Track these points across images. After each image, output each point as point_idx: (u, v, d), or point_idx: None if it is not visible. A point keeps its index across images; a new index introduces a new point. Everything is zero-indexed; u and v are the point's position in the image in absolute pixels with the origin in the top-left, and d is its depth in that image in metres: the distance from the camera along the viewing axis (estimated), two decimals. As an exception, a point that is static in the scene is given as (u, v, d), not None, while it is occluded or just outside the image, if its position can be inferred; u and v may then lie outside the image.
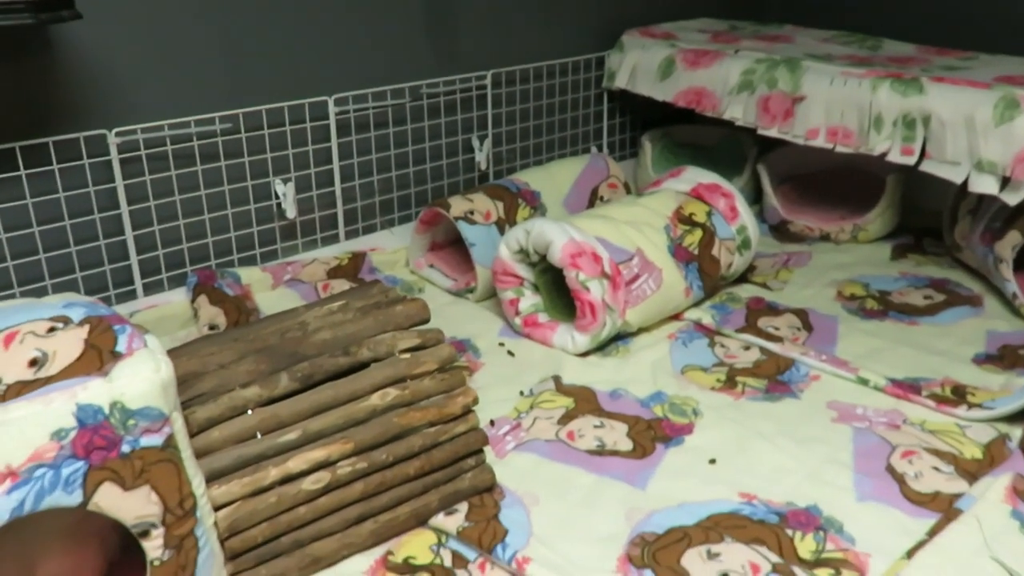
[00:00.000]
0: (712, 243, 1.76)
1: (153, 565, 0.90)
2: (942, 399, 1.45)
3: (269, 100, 1.74)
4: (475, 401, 1.22)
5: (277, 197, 1.80)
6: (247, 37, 1.71)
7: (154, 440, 0.88)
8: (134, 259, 1.64)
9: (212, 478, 1.02)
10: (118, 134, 1.55)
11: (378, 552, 1.14)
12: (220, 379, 1.09)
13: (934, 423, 1.40)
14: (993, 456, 1.31)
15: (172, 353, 1.14)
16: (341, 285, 1.85)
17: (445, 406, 1.19)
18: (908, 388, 1.48)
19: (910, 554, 1.10)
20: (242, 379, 1.09)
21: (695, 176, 1.87)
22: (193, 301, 1.67)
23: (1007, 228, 1.78)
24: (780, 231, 2.22)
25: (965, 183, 1.74)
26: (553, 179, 2.01)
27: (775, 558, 1.11)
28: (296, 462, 1.07)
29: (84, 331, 0.92)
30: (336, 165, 1.87)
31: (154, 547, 0.90)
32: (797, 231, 2.19)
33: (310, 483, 1.08)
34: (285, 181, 1.80)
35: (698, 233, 1.75)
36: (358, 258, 1.92)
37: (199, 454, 1.02)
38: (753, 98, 2.04)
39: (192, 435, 1.02)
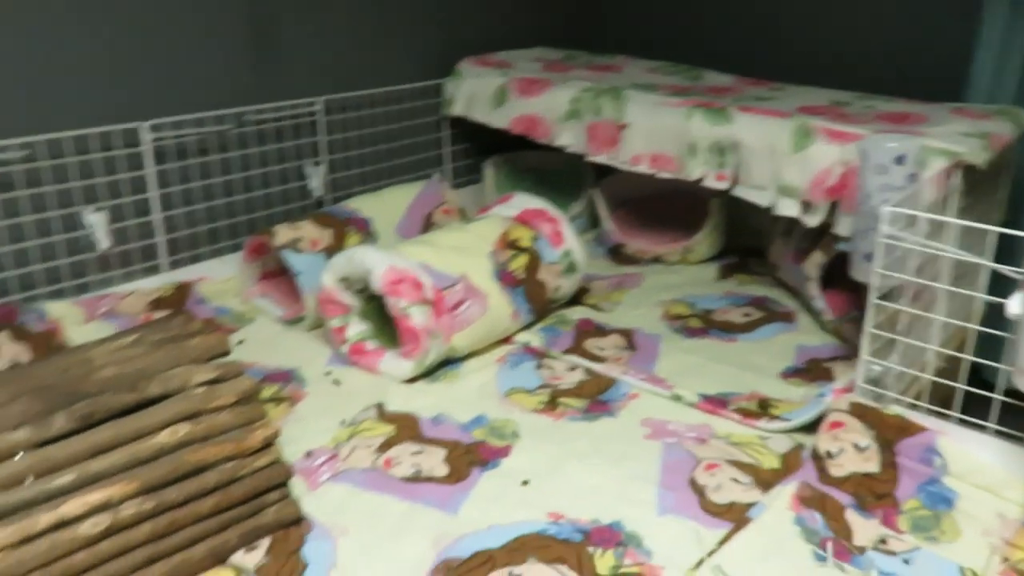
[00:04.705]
0: (537, 267, 1.80)
1: None
2: (747, 412, 1.52)
3: (75, 126, 1.66)
4: (276, 434, 1.19)
5: (87, 228, 1.72)
6: (50, 59, 1.63)
7: None
8: (-81, 296, 1.53)
9: (-28, 529, 0.96)
10: None
11: (169, 596, 1.09)
12: (-13, 422, 1.02)
13: (739, 436, 1.47)
14: (789, 465, 1.39)
15: (-64, 396, 1.07)
16: (163, 317, 1.78)
17: (243, 440, 1.16)
18: (717, 403, 1.55)
19: (699, 564, 1.14)
20: (13, 421, 1.03)
21: (522, 202, 1.91)
22: (-9, 339, 1.57)
23: (812, 248, 1.90)
24: (616, 254, 2.29)
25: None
26: (386, 205, 2.01)
27: (574, 576, 1.14)
28: (71, 506, 1.02)
29: None
30: (155, 193, 1.81)
31: None
32: (631, 254, 2.27)
33: (88, 527, 1.03)
34: (97, 210, 1.72)
35: (523, 258, 1.79)
36: (184, 289, 1.86)
37: (-44, 504, 0.96)
38: (581, 126, 2.11)
39: (-51, 484, 0.96)
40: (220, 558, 1.14)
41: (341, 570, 1.13)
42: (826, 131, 1.76)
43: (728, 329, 1.88)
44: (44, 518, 1.00)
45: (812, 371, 1.70)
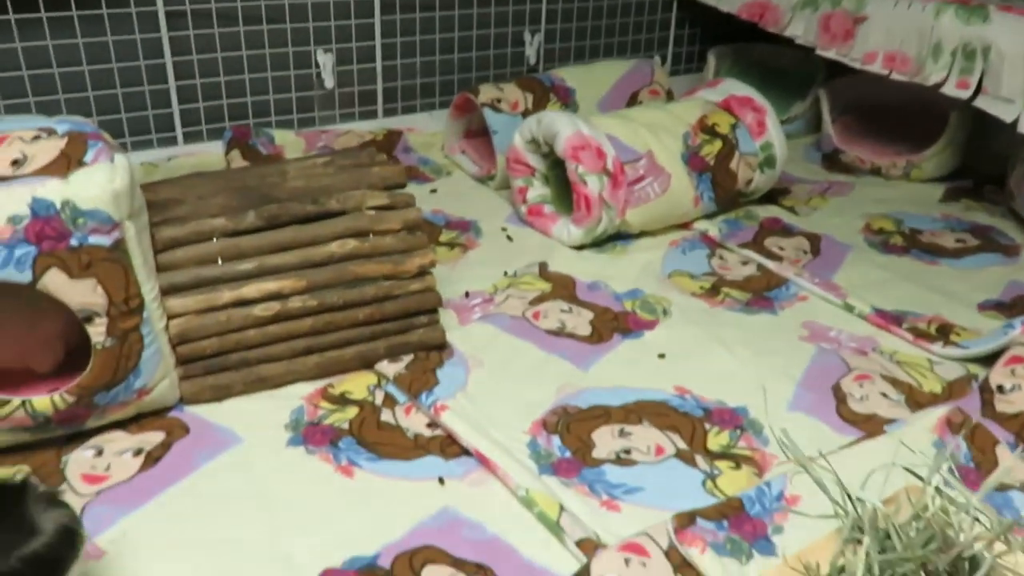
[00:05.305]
0: (731, 156, 1.74)
1: (96, 348, 1.04)
2: (921, 333, 1.41)
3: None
4: (432, 263, 1.29)
5: (317, 66, 1.89)
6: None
7: (102, 240, 1.00)
8: (176, 108, 1.78)
9: (170, 291, 1.14)
10: (165, -14, 1.67)
11: (321, 383, 1.25)
12: (194, 207, 1.20)
13: (905, 355, 1.38)
14: (952, 393, 1.29)
15: (162, 181, 1.27)
16: (372, 159, 1.94)
17: (401, 263, 1.27)
18: (891, 319, 1.45)
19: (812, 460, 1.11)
20: (213, 210, 1.20)
21: (730, 87, 1.84)
22: (227, 154, 1.80)
23: (1055, 176, 1.68)
24: (830, 160, 2.15)
25: None
26: (592, 78, 2.02)
27: (682, 445, 1.15)
28: (249, 289, 1.18)
29: (63, 142, 1.04)
30: (378, 42, 1.94)
31: (97, 333, 1.03)
32: (848, 162, 2.12)
33: (261, 310, 1.19)
34: (326, 51, 1.88)
35: (717, 144, 1.73)
36: (394, 136, 2.00)
37: (161, 268, 1.14)
38: (816, 16, 1.96)
39: (157, 251, 1.14)
40: (367, 363, 1.27)
41: (468, 393, 1.23)
42: (1100, 40, 1.52)
43: (933, 251, 1.73)
44: (226, 295, 1.17)
45: (1017, 307, 1.54)
